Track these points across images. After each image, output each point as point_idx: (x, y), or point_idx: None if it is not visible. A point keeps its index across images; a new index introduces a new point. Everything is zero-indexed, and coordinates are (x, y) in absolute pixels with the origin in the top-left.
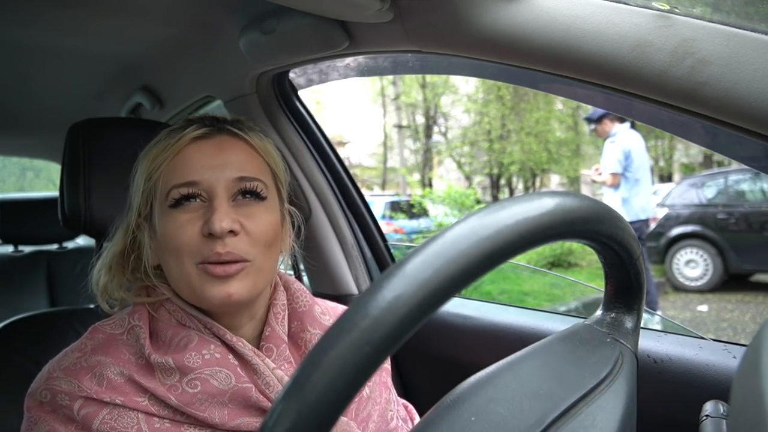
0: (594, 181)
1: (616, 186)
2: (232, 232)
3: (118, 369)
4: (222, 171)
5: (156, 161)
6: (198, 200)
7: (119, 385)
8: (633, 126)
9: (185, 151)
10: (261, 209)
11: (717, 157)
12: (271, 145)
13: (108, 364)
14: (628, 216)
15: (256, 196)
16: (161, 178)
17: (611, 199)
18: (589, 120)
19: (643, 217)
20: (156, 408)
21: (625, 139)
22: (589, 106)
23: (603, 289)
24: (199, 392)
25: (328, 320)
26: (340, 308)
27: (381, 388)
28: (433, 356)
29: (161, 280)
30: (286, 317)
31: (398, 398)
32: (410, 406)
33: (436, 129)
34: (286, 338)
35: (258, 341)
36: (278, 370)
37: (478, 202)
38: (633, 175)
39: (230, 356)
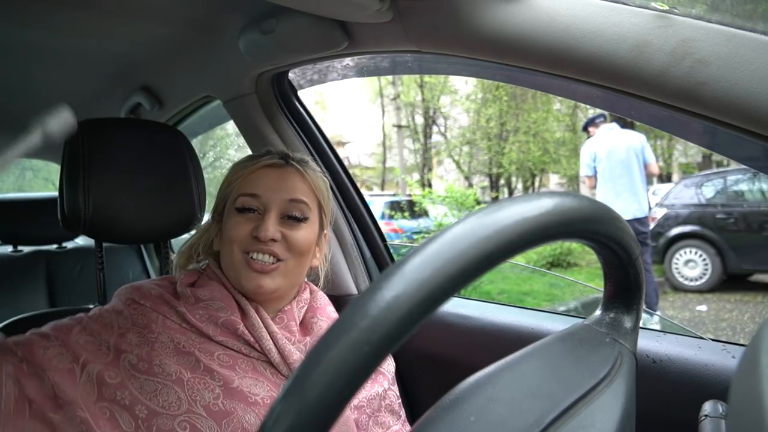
0: None
1: (593, 188)
2: (273, 240)
3: (158, 291)
4: (279, 193)
5: (235, 174)
6: (256, 212)
7: (152, 297)
8: (629, 126)
9: (257, 173)
10: (301, 227)
11: (716, 157)
12: (322, 181)
13: (153, 286)
14: None
15: (299, 220)
16: (235, 187)
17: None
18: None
19: (626, 217)
20: (173, 317)
21: (594, 142)
22: (589, 107)
23: (602, 289)
24: (203, 313)
25: (336, 315)
26: None
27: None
28: (432, 356)
29: (214, 258)
30: (304, 308)
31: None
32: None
33: (435, 129)
34: (298, 320)
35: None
36: (273, 325)
37: (478, 202)
38: (608, 175)
39: (233, 301)
